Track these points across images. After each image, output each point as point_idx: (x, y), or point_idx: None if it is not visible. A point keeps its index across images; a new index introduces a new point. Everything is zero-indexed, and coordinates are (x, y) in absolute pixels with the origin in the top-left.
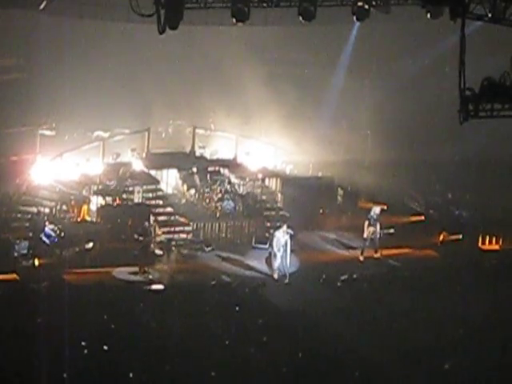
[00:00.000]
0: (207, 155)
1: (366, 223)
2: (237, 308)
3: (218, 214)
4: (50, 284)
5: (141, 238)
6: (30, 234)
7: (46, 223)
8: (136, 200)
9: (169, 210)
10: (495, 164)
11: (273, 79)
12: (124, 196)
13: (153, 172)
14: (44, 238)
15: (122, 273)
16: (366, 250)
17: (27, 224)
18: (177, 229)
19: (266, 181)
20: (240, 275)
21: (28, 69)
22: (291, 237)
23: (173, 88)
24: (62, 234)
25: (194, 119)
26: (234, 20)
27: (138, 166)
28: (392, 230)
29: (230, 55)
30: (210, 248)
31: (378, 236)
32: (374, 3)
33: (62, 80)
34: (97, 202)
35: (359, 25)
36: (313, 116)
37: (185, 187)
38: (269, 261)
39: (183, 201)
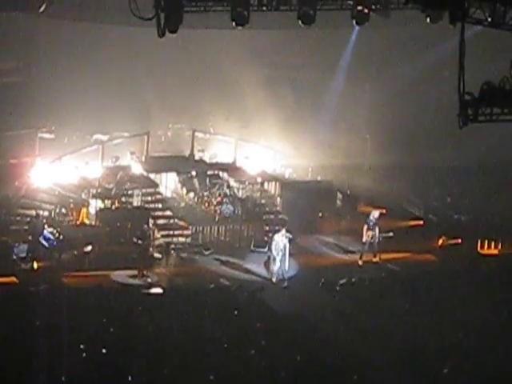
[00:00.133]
0: (206, 159)
1: (365, 227)
2: (235, 312)
3: (217, 218)
4: (49, 287)
5: (140, 242)
6: (29, 237)
7: (45, 226)
8: (135, 203)
9: (168, 213)
10: (494, 168)
11: (272, 83)
12: (123, 199)
13: (152, 175)
14: (43, 241)
15: (120, 276)
16: (365, 254)
17: (26, 227)
18: (176, 232)
19: (265, 184)
20: (239, 279)
21: (27, 72)
22: (290, 240)
23: (172, 91)
24: (61, 237)
25: (193, 123)
26: (234, 24)
27: (137, 169)
28: (391, 234)
29: (230, 59)
30: (208, 251)
31: (377, 240)
32: (373, 7)
33: (61, 83)
34: (96, 205)
35: (359, 29)
36: (312, 120)
37: (184, 191)
38: (267, 264)
39: (182, 204)
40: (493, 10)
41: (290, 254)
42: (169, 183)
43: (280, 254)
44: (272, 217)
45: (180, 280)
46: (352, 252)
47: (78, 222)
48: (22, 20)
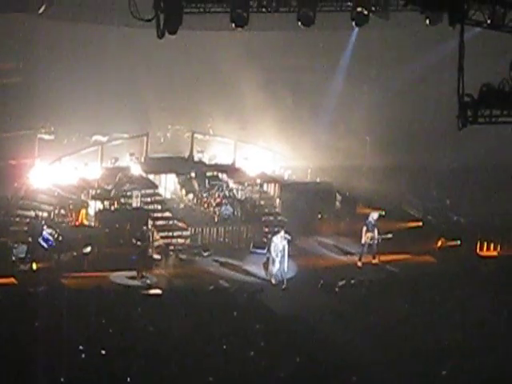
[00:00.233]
0: (206, 160)
1: (364, 229)
2: (235, 313)
3: (216, 219)
4: (48, 288)
5: (139, 243)
6: (29, 238)
7: (44, 227)
8: (134, 204)
9: (167, 214)
10: (494, 170)
11: (271, 84)
12: (122, 200)
13: (151, 176)
14: (42, 242)
15: (119, 277)
16: (364, 255)
17: (25, 228)
18: (175, 233)
19: (265, 186)
20: (238, 280)
21: (27, 73)
22: (289, 242)
23: (171, 93)
24: (60, 238)
25: (192, 124)
26: (234, 25)
27: (137, 170)
28: (390, 235)
29: (229, 60)
30: (208, 253)
31: (376, 242)
32: (373, 9)
33: (60, 84)
34: (95, 206)
35: (358, 30)
36: (311, 121)
37: (183, 192)
38: (266, 266)
39: (181, 205)
40: (492, 12)
41: (289, 256)
42: (168, 184)
43: (279, 255)
44: (271, 218)
45: (179, 281)
46: (351, 253)
47: (77, 223)
48: (21, 21)
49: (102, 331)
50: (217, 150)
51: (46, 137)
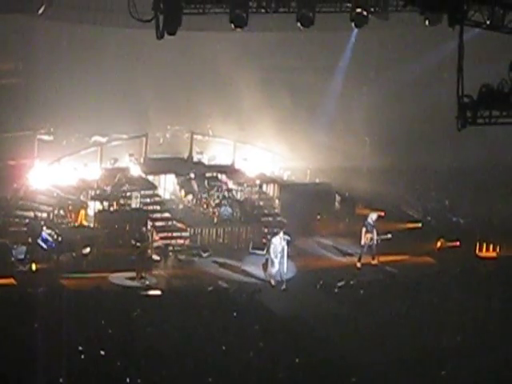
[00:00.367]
0: (205, 161)
1: (364, 230)
2: (234, 314)
3: (215, 220)
4: (47, 289)
5: (138, 244)
6: (28, 239)
7: (44, 228)
8: (133, 205)
9: (166, 215)
10: (493, 171)
11: (271, 85)
12: (121, 201)
13: (150, 177)
14: (41, 243)
15: (118, 278)
16: (364, 256)
17: (24, 229)
18: (174, 234)
19: (264, 187)
20: (237, 281)
21: (26, 73)
22: (288, 243)
23: (171, 93)
24: (60, 239)
25: (191, 125)
26: (233, 26)
27: (136, 171)
28: (389, 235)
29: (229, 61)
30: (207, 254)
31: (376, 242)
32: (372, 10)
33: (60, 85)
34: (94, 207)
35: (357, 31)
36: (310, 122)
37: (182, 193)
38: (266, 267)
39: (181, 206)
40: (491, 13)
41: (288, 257)
42: (167, 185)
43: (278, 256)
44: (270, 219)
45: (178, 282)
46: (350, 254)
47: (76, 224)
48: (20, 21)
49: (102, 332)
50: (216, 150)
51: (46, 137)
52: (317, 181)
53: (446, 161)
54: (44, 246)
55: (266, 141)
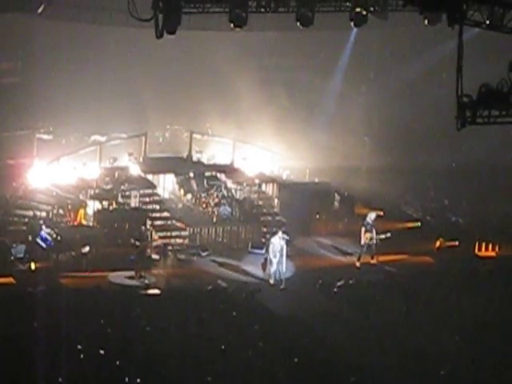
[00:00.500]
0: (204, 160)
1: (363, 230)
2: (233, 313)
3: (214, 219)
4: (47, 288)
5: (137, 243)
6: (28, 238)
7: (43, 227)
8: (133, 204)
9: (165, 214)
10: (492, 171)
11: (270, 85)
12: (121, 200)
13: (150, 176)
14: (40, 242)
15: (118, 277)
16: (363, 255)
17: (24, 228)
18: (173, 233)
19: (263, 186)
20: (236, 280)
21: (25, 73)
22: (287, 242)
23: (170, 93)
24: (59, 238)
25: (191, 124)
26: (232, 25)
27: (135, 170)
28: (389, 234)
29: (228, 60)
30: (206, 253)
31: (375, 242)
32: (371, 9)
33: (59, 84)
34: (93, 206)
35: (357, 31)
36: (310, 122)
37: (181, 192)
38: (265, 266)
39: (180, 206)
40: (491, 13)
41: (287, 256)
42: (166, 184)
43: (277, 255)
44: (269, 218)
45: (177, 281)
46: (349, 254)
47: (75, 223)
48: (20, 21)
49: (101, 331)
50: (215, 150)
51: (45, 136)
52: (316, 180)
53: (445, 160)
54: (43, 245)
55: (266, 140)
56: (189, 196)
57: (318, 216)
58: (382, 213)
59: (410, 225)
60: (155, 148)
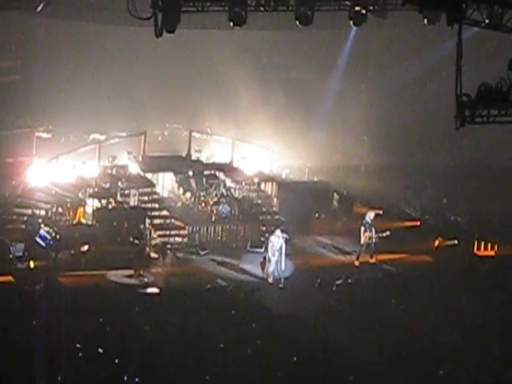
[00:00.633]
0: (203, 159)
1: (362, 229)
2: (232, 312)
3: (213, 218)
4: (45, 286)
5: (136, 241)
6: (27, 237)
7: (42, 225)
8: (132, 203)
9: (164, 213)
10: (491, 170)
11: (269, 83)
12: (120, 199)
13: (149, 175)
14: (39, 241)
15: (117, 276)
16: (362, 254)
17: (23, 226)
18: (172, 232)
19: (262, 185)
20: (235, 279)
21: (25, 71)
22: (286, 241)
23: (169, 91)
24: (58, 237)
25: (190, 123)
26: (232, 24)
27: (134, 169)
28: (388, 233)
29: (228, 59)
30: (205, 252)
31: (374, 241)
32: (371, 8)
33: (58, 82)
34: (92, 204)
35: (356, 30)
36: (309, 120)
37: (181, 191)
38: (264, 265)
39: (179, 204)
40: (490, 12)
41: (286, 255)
42: (166, 183)
43: (276, 254)
44: (269, 217)
45: (176, 280)
46: (348, 253)
47: (74, 222)
48: (19, 19)
49: (100, 330)
50: (214, 148)
51: (44, 135)
52: (315, 179)
53: (445, 159)
54: (42, 243)
55: (265, 139)
56: (188, 195)
57: (316, 215)
58: (381, 212)
59: (409, 224)
60: (154, 147)
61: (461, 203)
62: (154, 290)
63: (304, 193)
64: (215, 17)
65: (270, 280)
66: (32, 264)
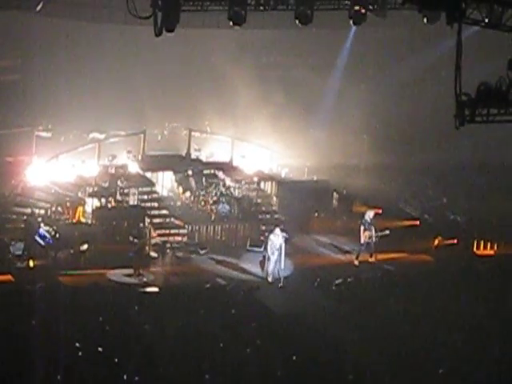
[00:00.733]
0: (203, 158)
1: (362, 228)
2: (231, 311)
3: (213, 217)
4: (45, 285)
5: (136, 240)
6: (26, 236)
7: (41, 224)
8: (131, 202)
9: (164, 212)
10: (491, 169)
11: (269, 83)
12: (119, 198)
13: (148, 174)
14: (39, 240)
15: (116, 275)
16: (361, 254)
17: (22, 225)
18: (172, 231)
19: (262, 184)
20: (235, 278)
21: (24, 70)
22: (286, 240)
23: (169, 90)
24: (57, 236)
25: (189, 122)
26: (231, 23)
27: (134, 168)
28: (387, 232)
29: (227, 58)
30: (204, 251)
31: (374, 240)
32: (370, 7)
33: (58, 81)
34: (92, 203)
35: (356, 29)
36: (309, 120)
37: (180, 190)
38: (263, 264)
39: (178, 203)
40: (490, 11)
41: (285, 254)
42: (165, 182)
43: (276, 253)
44: (268, 216)
45: (176, 279)
46: (348, 252)
47: (74, 221)
48: (18, 18)
49: (99, 329)
50: (214, 147)
51: (44, 134)
52: (314, 178)
53: (444, 158)
54: (42, 242)
55: (264, 138)
56: (187, 194)
57: (316, 214)
58: (380, 211)
59: (409, 223)
60: (154, 146)
61: (460, 202)
62: (154, 289)
63: (303, 192)
64: (215, 16)
65: (270, 279)
66: (31, 263)
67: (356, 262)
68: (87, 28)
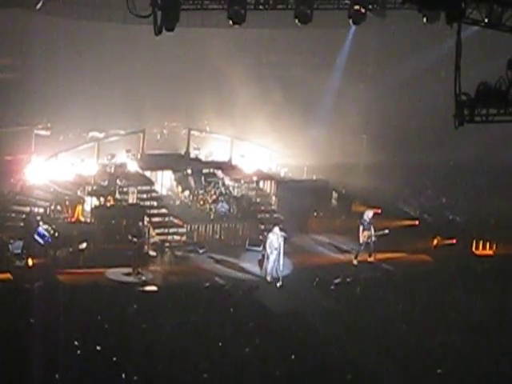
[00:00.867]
0: (202, 157)
1: (361, 228)
2: (230, 310)
3: (212, 216)
4: (44, 284)
5: (135, 239)
6: (25, 234)
7: (40, 223)
8: (130, 201)
9: (163, 211)
10: (490, 169)
11: (268, 82)
12: (118, 197)
13: (147, 173)
14: (38, 238)
15: (115, 274)
16: (360, 253)
17: (21, 224)
18: (171, 230)
19: (261, 183)
20: (233, 277)
21: (24, 69)
22: (285, 239)
23: (168, 89)
24: (56, 234)
25: (189, 121)
26: (231, 22)
27: (133, 167)
28: (387, 231)
29: (227, 57)
30: (203, 250)
31: (373, 239)
32: (370, 7)
33: (57, 80)
34: (91, 202)
35: (355, 28)
36: (308, 119)
37: (179, 189)
38: (262, 263)
39: (177, 202)
40: (489, 11)
41: (284, 253)
42: (164, 181)
43: (274, 252)
44: (267, 216)
45: (175, 278)
46: (347, 251)
47: (73, 219)
48: (18, 17)
49: (98, 327)
50: (213, 147)
51: (43, 133)
52: (314, 178)
53: (443, 158)
54: (41, 241)
55: (263, 137)
56: (186, 193)
57: (315, 213)
58: (379, 211)
59: (408, 223)
60: (153, 145)
61: (459, 202)
62: (153, 287)
63: (302, 191)
64: (214, 15)
65: (269, 278)
66: (30, 261)
67: (355, 262)
68: (87, 27)
